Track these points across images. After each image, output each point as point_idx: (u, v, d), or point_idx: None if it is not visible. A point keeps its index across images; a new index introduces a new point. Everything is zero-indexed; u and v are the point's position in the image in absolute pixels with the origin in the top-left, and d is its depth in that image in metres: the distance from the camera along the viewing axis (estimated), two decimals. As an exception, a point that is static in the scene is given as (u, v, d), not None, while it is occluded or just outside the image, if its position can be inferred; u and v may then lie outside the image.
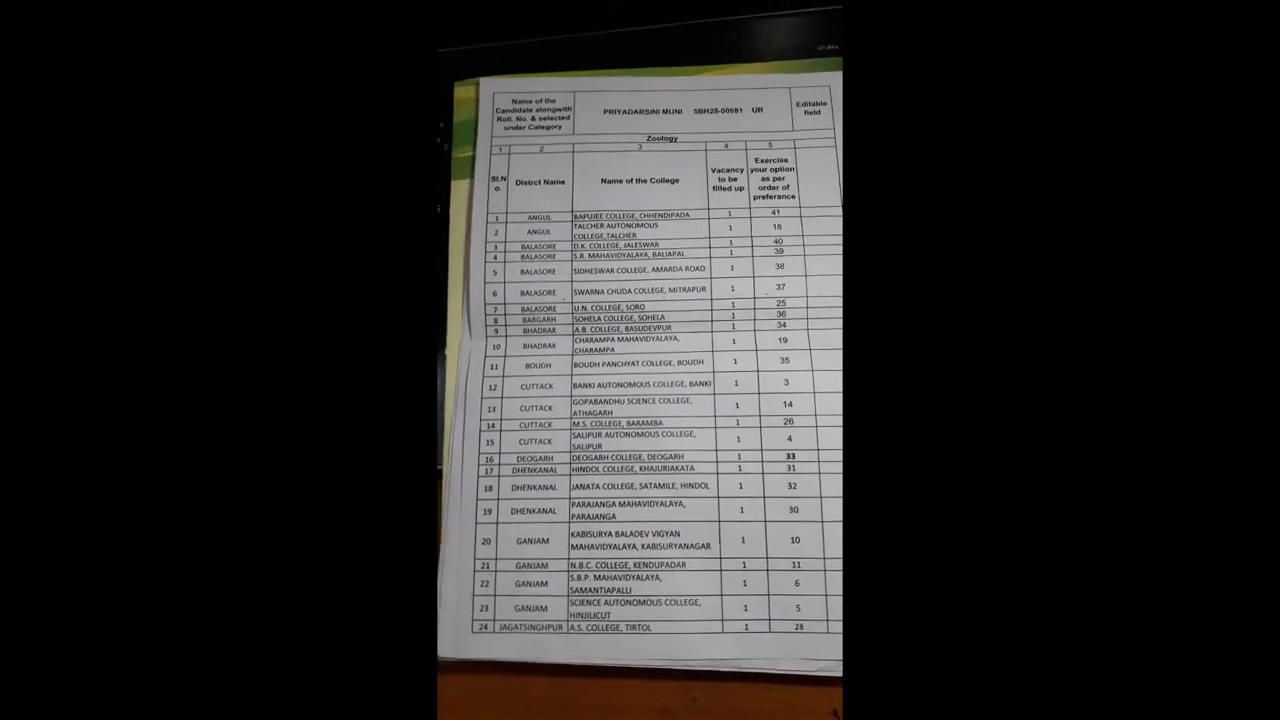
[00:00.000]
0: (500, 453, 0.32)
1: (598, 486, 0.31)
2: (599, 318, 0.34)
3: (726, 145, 0.36)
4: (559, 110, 0.37)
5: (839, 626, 0.30)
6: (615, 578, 0.30)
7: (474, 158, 0.36)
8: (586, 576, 0.31)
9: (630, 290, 0.34)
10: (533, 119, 0.36)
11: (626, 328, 0.33)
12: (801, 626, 0.30)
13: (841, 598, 0.30)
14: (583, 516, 0.31)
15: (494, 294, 0.34)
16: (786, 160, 0.35)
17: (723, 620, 0.30)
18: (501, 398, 0.33)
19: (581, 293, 0.34)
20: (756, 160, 0.35)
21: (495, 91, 0.37)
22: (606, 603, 0.30)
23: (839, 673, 0.29)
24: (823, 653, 0.30)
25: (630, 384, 0.33)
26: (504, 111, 0.37)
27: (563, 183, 0.35)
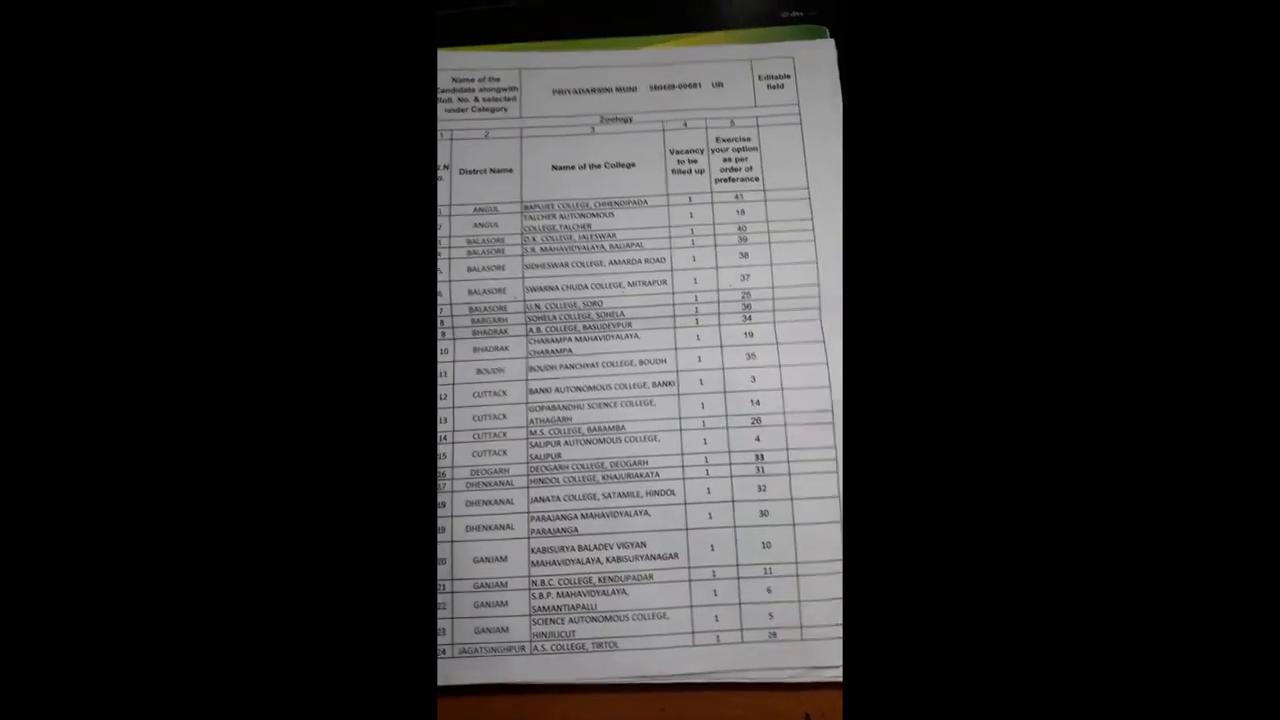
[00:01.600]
0: (453, 466, 0.30)
1: (558, 499, 0.30)
2: (554, 316, 0.31)
3: (685, 124, 0.33)
4: (504, 90, 0.34)
5: (813, 633, 0.29)
6: (579, 594, 0.29)
7: (414, 144, 0.33)
8: (549, 594, 0.29)
9: (587, 286, 0.32)
10: (475, 100, 0.34)
11: (584, 326, 0.31)
12: (775, 635, 0.29)
13: (814, 603, 0.29)
14: (543, 531, 0.30)
15: (439, 294, 0.31)
16: (749, 139, 0.33)
17: (693, 633, 0.29)
18: (452, 407, 0.31)
19: (534, 290, 0.32)
20: (718, 140, 0.33)
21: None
22: (571, 621, 0.29)
23: (811, 679, 0.29)
24: (796, 660, 0.29)
25: (590, 387, 0.31)
26: (443, 91, 0.34)
27: (510, 170, 0.33)
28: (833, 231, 0.32)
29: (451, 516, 0.30)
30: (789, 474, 0.30)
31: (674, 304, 0.31)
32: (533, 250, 0.32)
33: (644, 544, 0.29)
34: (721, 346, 0.31)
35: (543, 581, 0.29)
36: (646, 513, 0.30)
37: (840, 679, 0.28)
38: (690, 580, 0.29)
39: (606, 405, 0.31)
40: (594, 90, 0.34)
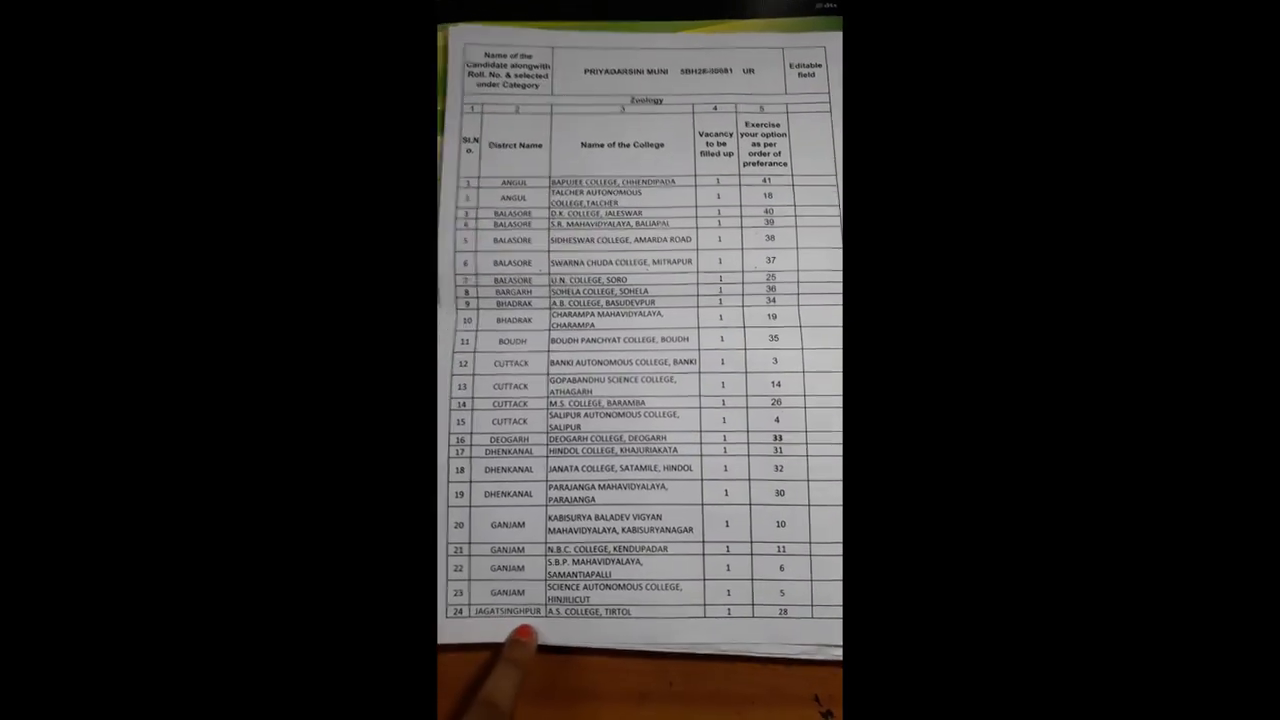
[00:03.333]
0: (472, 433, 0.30)
1: (576, 469, 0.30)
2: (578, 290, 0.32)
3: (715, 107, 0.34)
4: (536, 68, 0.34)
5: (824, 611, 0.29)
6: (594, 562, 0.29)
7: (444, 114, 0.33)
8: (565, 561, 0.29)
9: (611, 262, 0.32)
10: (508, 76, 0.34)
11: (607, 302, 0.32)
12: (785, 611, 0.29)
13: (827, 583, 0.29)
14: (561, 500, 0.30)
15: (465, 263, 0.32)
16: (778, 125, 0.33)
17: (705, 605, 0.29)
18: (473, 375, 0.31)
19: (559, 264, 0.32)
20: (747, 124, 0.33)
21: (466, 43, 0.34)
22: (585, 587, 0.29)
23: (821, 656, 0.29)
24: (806, 638, 0.29)
25: (611, 361, 0.31)
26: (476, 66, 0.34)
27: (540, 146, 0.33)
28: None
29: (470, 482, 0.30)
30: (806, 455, 0.30)
31: (698, 283, 0.32)
32: (559, 225, 0.32)
33: (659, 516, 0.30)
34: (744, 327, 0.31)
35: (559, 548, 0.29)
36: (663, 486, 0.30)
37: (848, 659, 0.29)
38: (704, 554, 0.29)
39: (627, 380, 0.31)
40: (625, 71, 0.34)
